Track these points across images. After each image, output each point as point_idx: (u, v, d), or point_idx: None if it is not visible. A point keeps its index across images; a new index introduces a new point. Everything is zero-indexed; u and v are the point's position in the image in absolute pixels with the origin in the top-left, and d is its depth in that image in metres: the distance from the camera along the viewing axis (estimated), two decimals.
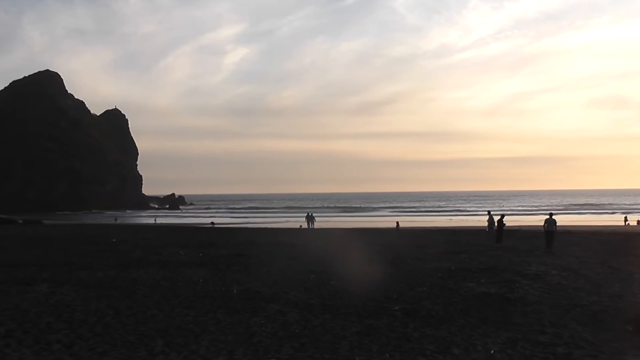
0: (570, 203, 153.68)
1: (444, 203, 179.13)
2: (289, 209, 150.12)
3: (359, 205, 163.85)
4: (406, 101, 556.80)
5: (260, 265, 19.65)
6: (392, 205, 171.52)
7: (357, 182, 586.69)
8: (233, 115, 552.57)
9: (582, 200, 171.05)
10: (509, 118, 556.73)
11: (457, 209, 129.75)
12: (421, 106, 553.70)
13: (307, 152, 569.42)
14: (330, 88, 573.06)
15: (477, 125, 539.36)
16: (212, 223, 64.49)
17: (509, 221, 35.44)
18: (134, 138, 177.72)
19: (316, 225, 55.57)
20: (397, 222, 43.87)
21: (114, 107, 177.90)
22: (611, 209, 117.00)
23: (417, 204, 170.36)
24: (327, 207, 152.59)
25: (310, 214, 56.59)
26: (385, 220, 63.56)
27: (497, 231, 30.04)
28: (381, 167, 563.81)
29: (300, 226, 55.01)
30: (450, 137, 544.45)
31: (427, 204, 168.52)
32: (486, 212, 38.85)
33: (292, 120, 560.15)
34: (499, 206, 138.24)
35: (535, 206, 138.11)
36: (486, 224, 35.55)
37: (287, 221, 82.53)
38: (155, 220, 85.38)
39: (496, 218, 32.63)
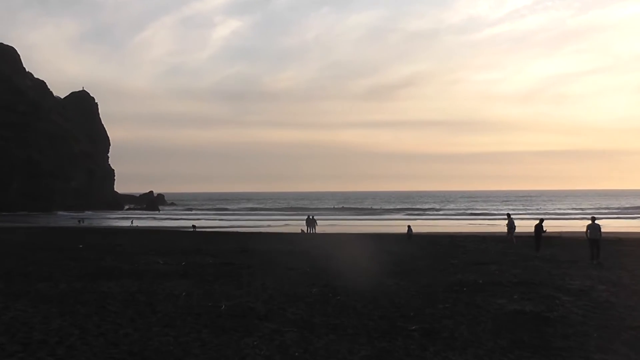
0: (621, 206, 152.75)
1: (469, 205, 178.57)
2: (288, 210, 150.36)
3: (375, 207, 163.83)
4: (426, 84, 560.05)
5: (253, 277, 19.76)
6: (407, 206, 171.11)
7: (367, 179, 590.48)
8: (222, 100, 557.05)
9: (636, 203, 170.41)
10: (547, 104, 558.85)
11: (485, 211, 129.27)
12: (444, 90, 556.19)
13: (309, 144, 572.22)
14: (337, 69, 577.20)
15: (509, 112, 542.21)
16: (194, 226, 64.78)
17: (548, 226, 35.49)
18: (105, 126, 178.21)
19: (320, 229, 55.75)
20: (409, 227, 43.96)
21: (81, 89, 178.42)
22: None
23: (437, 206, 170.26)
24: (338, 209, 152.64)
25: (311, 217, 57.05)
26: (399, 225, 63.38)
27: (535, 238, 30.10)
28: (396, 161, 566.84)
29: (301, 230, 55.32)
30: (477, 127, 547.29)
31: (450, 206, 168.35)
32: (505, 215, 40.21)
33: (291, 106, 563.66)
34: (536, 209, 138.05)
35: (580, 209, 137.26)
36: (505, 228, 37.72)
37: (286, 225, 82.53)
38: (132, 222, 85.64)
39: (532, 223, 32.74)
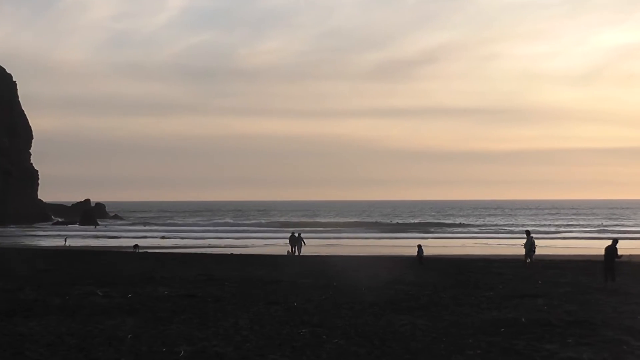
0: None
1: (509, 219, 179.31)
2: (272, 225, 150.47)
3: (390, 221, 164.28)
4: (453, 60, 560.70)
5: (223, 313, 19.87)
6: (429, 220, 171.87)
7: (375, 184, 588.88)
8: (184, 79, 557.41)
9: None
10: (615, 87, 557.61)
11: (531, 228, 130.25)
12: (476, 67, 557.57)
13: (299, 138, 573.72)
14: (336, 38, 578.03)
15: (564, 97, 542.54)
16: (136, 246, 65.08)
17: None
18: (25, 112, 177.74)
19: (314, 249, 55.85)
20: (420, 247, 44.50)
21: None
22: None
23: (467, 220, 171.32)
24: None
25: (296, 234, 57.36)
26: (415, 245, 64.28)
27: (604, 264, 30.05)
28: (414, 161, 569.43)
29: (287, 252, 55.66)
30: (521, 117, 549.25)
31: (483, 221, 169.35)
32: (524, 232, 42.69)
33: (276, 87, 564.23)
34: (598, 226, 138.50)
35: None
36: (524, 250, 40.25)
37: (268, 244, 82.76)
38: (65, 242, 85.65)
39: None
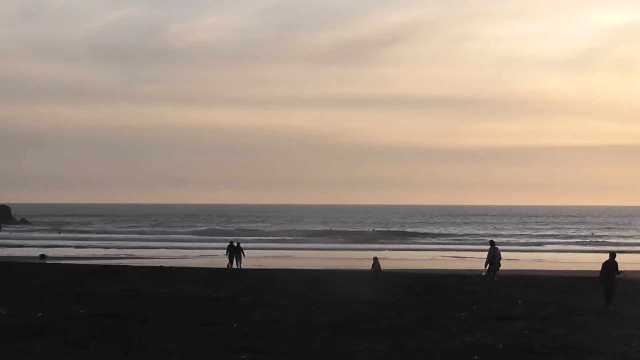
0: None
1: (487, 228, 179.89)
2: (208, 233, 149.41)
3: (362, 230, 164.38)
4: (422, 41, 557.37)
5: (149, 337, 19.75)
6: (393, 228, 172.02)
7: (330, 185, 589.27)
8: (103, 60, 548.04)
9: None
10: (611, 74, 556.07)
11: (511, 240, 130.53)
12: (449, 50, 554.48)
13: (241, 130, 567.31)
14: (285, 14, 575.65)
15: (551, 86, 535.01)
16: (43, 256, 64.22)
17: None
18: None
19: (255, 261, 55.47)
20: (376, 259, 44.31)
21: None
22: None
23: (437, 229, 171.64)
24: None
25: (235, 245, 57.07)
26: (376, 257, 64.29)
27: (602, 283, 29.50)
28: (376, 159, 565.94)
29: (228, 266, 55.36)
30: (500, 108, 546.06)
31: (457, 230, 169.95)
32: (488, 242, 43.43)
33: (214, 71, 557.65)
34: (588, 237, 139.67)
35: None
36: (486, 262, 41.04)
37: (203, 256, 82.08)
38: None
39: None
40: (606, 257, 30.61)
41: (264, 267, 59.03)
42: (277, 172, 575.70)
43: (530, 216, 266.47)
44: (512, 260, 73.82)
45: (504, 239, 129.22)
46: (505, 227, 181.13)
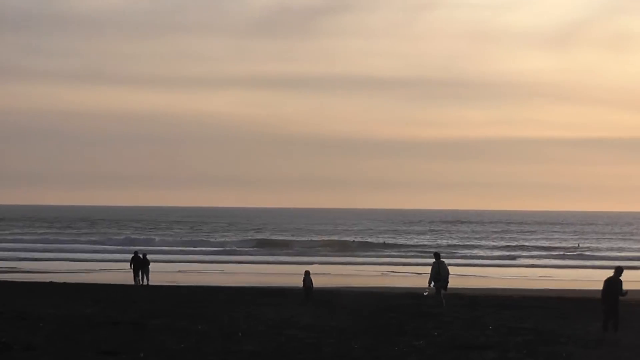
0: None
1: (452, 236, 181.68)
2: (110, 242, 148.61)
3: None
4: (372, 9, 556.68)
5: None
6: (334, 237, 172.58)
7: (261, 184, 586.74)
8: None
9: None
10: (600, 52, 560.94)
11: (482, 253, 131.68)
12: (405, 21, 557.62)
13: (153, 115, 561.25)
14: None
15: (529, 66, 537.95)
16: None
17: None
18: None
19: (173, 278, 56.47)
20: (307, 273, 44.17)
21: None
22: None
23: (391, 238, 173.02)
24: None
25: (140, 255, 56.91)
26: (319, 272, 64.38)
27: (605, 304, 29.49)
28: (315, 152, 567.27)
29: (136, 282, 54.96)
30: (467, 92, 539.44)
31: (413, 239, 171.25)
32: (433, 255, 43.13)
33: (120, 43, 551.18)
34: (573, 248, 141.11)
35: None
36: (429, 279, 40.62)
37: (103, 269, 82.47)
38: None
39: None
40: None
41: (178, 283, 59.29)
42: (195, 166, 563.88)
43: (504, 223, 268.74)
44: (480, 278, 73.68)
45: (470, 252, 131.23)
46: (473, 236, 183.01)
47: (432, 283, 39.94)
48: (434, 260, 41.12)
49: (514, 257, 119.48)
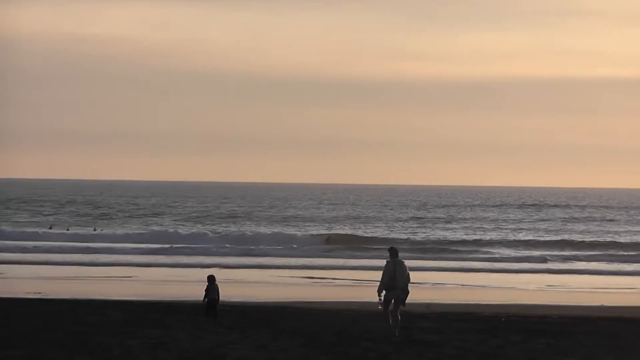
0: None
1: (455, 226, 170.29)
2: None
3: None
4: None
5: None
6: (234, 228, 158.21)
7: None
8: None
9: None
10: None
11: (502, 250, 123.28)
12: None
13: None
14: None
15: None
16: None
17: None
18: None
19: None
20: (212, 279, 38.50)
21: None
22: None
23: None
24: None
25: None
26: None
27: None
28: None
29: None
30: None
31: (383, 227, 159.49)
32: (388, 251, 34.78)
33: None
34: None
35: None
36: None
37: None
38: None
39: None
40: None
41: (46, 295, 50.75)
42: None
43: (534, 205, 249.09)
44: (501, 289, 69.13)
45: (487, 249, 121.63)
46: (490, 225, 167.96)
47: (384, 293, 30.63)
48: (387, 259, 31.40)
49: (544, 259, 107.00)
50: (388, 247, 32.24)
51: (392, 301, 30.34)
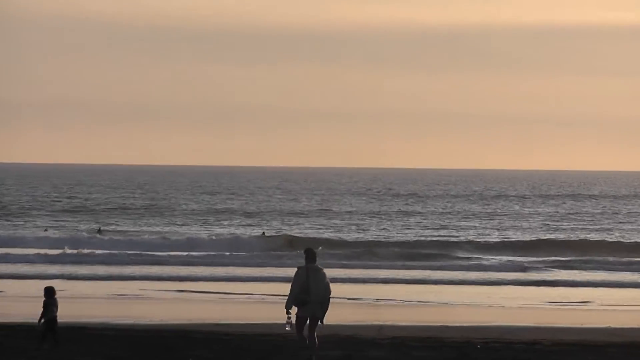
0: None
1: (417, 222, 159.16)
2: None
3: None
4: None
5: None
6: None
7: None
8: None
9: None
10: None
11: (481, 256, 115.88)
12: None
13: None
14: None
15: None
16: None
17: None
18: None
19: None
20: (50, 292, 33.48)
21: None
22: None
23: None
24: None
25: None
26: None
27: None
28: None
29: None
30: None
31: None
32: (303, 253, 31.30)
33: None
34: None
35: None
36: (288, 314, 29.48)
37: None
38: None
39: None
40: None
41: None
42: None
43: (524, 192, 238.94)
44: (479, 307, 62.21)
45: (464, 256, 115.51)
46: (461, 222, 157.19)
47: (294, 309, 25.89)
48: (299, 266, 26.85)
49: (524, 268, 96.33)
50: (304, 250, 26.23)
51: (308, 320, 25.25)
